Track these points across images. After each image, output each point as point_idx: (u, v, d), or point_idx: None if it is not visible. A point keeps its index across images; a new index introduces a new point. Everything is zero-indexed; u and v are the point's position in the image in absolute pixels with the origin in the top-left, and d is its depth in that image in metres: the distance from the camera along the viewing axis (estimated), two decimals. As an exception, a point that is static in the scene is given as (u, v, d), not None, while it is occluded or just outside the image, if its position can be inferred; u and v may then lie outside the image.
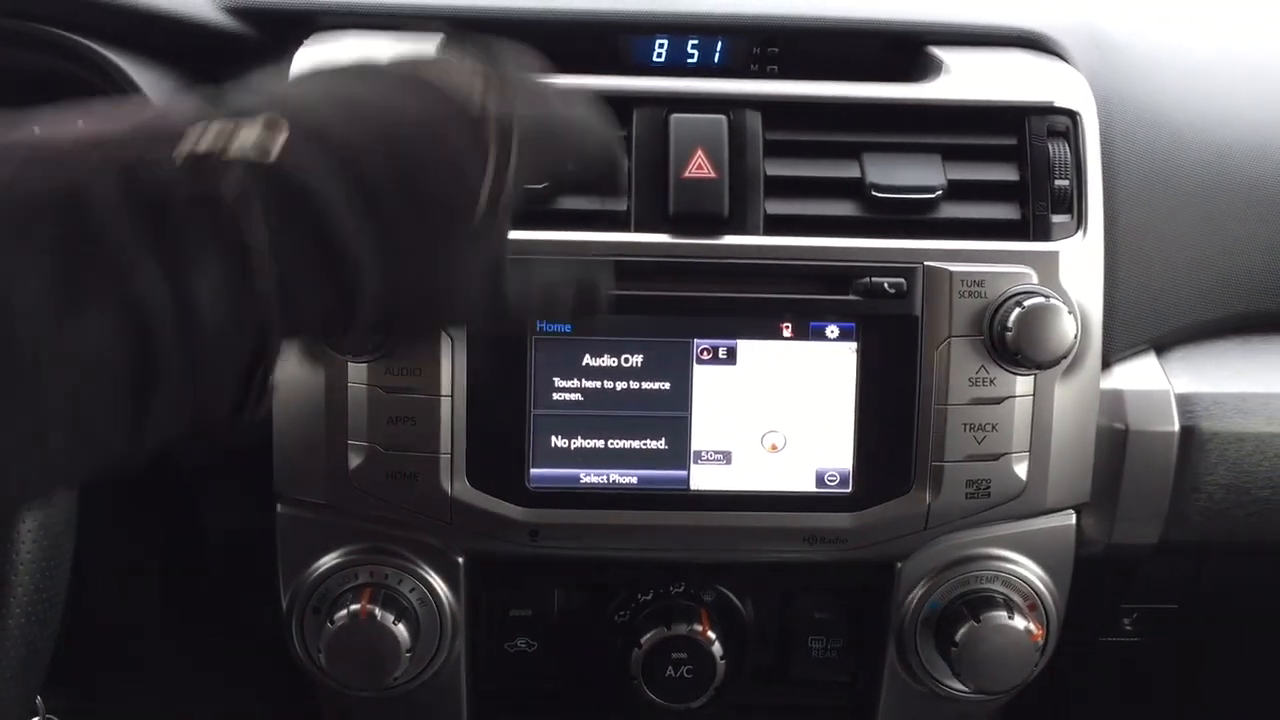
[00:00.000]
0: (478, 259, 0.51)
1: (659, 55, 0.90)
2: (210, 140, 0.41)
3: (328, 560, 0.82)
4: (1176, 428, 0.85)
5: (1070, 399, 0.82)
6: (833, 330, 0.80)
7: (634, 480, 0.81)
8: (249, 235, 0.41)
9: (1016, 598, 0.84)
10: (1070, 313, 0.78)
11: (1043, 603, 0.85)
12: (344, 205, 0.44)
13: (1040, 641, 0.83)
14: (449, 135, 0.49)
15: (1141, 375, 0.87)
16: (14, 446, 0.37)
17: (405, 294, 0.49)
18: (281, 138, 0.43)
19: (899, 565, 0.85)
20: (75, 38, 0.82)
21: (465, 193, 0.49)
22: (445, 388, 0.78)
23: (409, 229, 0.47)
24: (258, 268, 0.41)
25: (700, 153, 0.80)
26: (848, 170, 0.82)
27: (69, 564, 0.56)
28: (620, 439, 0.80)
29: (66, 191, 0.37)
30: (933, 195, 0.81)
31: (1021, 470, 0.81)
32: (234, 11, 0.86)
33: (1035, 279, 0.80)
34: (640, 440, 0.81)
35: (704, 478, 0.81)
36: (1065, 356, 0.78)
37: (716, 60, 0.91)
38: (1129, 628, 1.02)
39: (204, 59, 0.89)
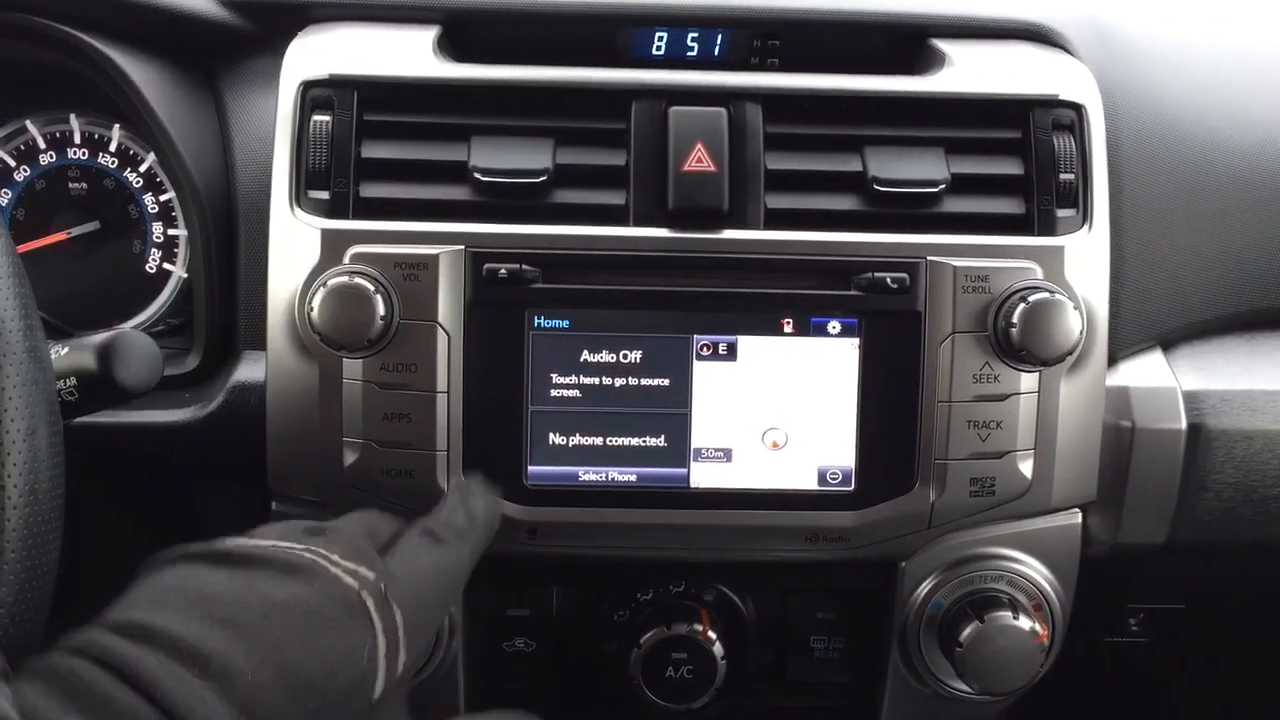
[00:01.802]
0: None
1: (659, 48, 0.89)
2: None
3: (323, 559, 0.81)
4: (1183, 425, 0.84)
5: (1075, 396, 0.81)
6: (834, 326, 0.79)
7: (633, 478, 0.80)
8: None
9: (1021, 598, 0.83)
10: (1075, 308, 0.77)
11: (1048, 603, 0.84)
12: None
13: (1045, 642, 0.83)
14: (336, 643, 0.55)
15: (1148, 372, 0.86)
16: None
17: None
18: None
19: (902, 564, 0.84)
20: (66, 29, 0.81)
21: (358, 698, 0.55)
22: (441, 384, 0.77)
23: None
24: None
25: (700, 146, 0.79)
26: (849, 164, 0.81)
27: (55, 564, 0.55)
28: (619, 436, 0.79)
29: None
30: (936, 189, 0.80)
31: (1026, 468, 0.80)
32: (228, 4, 0.86)
33: (1040, 274, 0.79)
34: (639, 438, 0.80)
35: (704, 475, 0.80)
36: (1070, 353, 0.78)
37: (717, 53, 0.90)
38: (1135, 628, 1.01)
39: (198, 52, 0.88)
